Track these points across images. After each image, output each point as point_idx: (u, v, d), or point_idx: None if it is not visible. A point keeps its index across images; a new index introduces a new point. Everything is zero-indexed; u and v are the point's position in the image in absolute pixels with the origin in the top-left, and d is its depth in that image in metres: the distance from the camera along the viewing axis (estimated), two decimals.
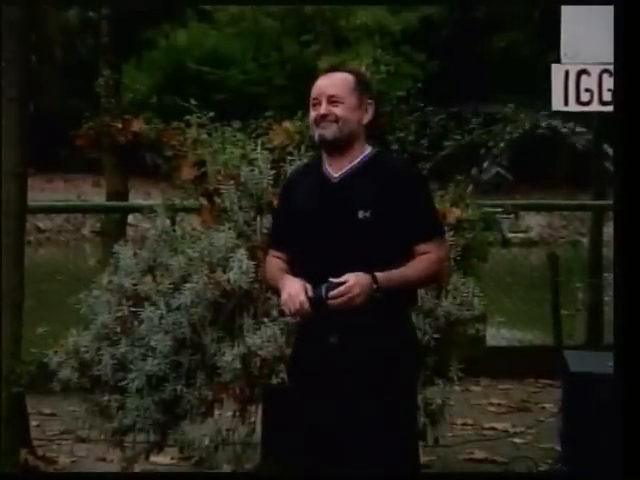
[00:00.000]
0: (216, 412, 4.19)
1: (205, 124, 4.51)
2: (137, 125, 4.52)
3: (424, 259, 3.08)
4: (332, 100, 3.12)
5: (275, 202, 4.23)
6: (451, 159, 5.28)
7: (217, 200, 4.34)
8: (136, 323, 4.10)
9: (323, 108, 3.12)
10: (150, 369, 4.04)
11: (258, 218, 4.22)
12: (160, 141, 4.54)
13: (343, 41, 20.74)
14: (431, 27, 21.41)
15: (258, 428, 4.26)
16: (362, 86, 3.18)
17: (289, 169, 4.26)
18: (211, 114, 4.53)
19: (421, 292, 4.01)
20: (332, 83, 3.14)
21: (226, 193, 4.26)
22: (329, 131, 3.11)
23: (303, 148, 4.32)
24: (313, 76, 3.25)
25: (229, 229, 4.15)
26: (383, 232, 3.04)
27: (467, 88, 16.65)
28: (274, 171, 4.26)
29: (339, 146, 3.12)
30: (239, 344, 4.00)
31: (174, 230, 4.32)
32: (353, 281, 2.95)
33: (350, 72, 3.21)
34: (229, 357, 3.97)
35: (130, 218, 8.28)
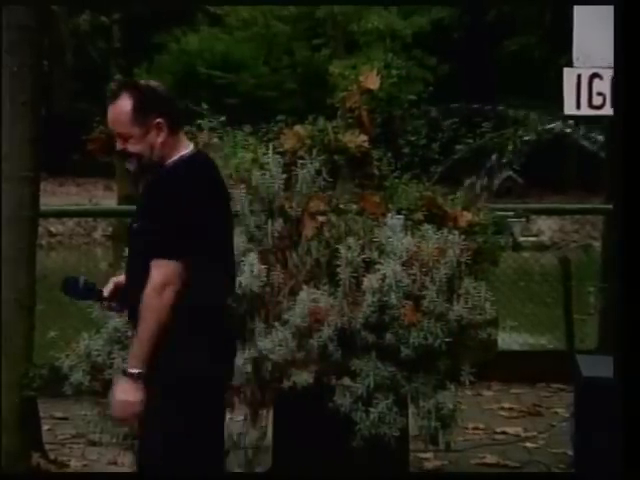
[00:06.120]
0: (228, 416, 4.19)
1: (216, 128, 4.51)
2: None
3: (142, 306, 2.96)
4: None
5: (287, 206, 4.24)
6: (462, 163, 5.28)
7: None
8: None
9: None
10: None
11: (269, 222, 4.22)
12: None
13: (354, 45, 20.76)
14: (442, 31, 21.39)
15: (269, 432, 4.26)
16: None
17: (300, 173, 4.26)
18: (222, 118, 4.53)
19: (432, 296, 4.01)
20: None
21: (237, 197, 4.26)
22: (131, 166, 3.12)
23: (314, 152, 4.32)
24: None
25: (240, 233, 4.15)
26: (141, 245, 3.05)
27: (478, 92, 16.61)
28: (285, 175, 4.26)
29: None
30: (250, 348, 3.99)
31: None
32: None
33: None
34: (240, 361, 3.96)
35: None
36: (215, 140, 4.50)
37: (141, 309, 2.95)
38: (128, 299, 3.10)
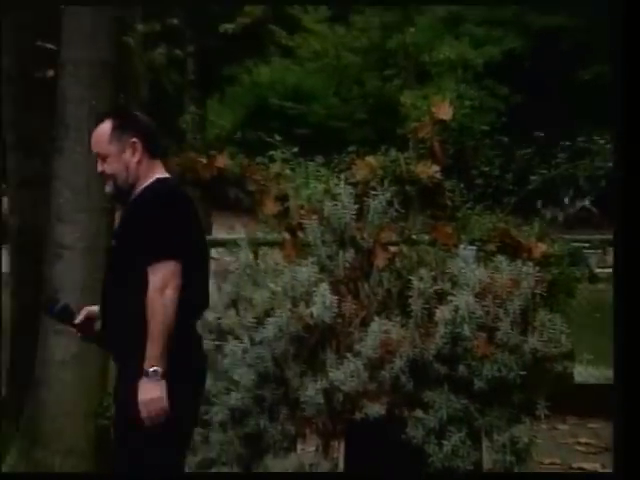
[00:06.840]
0: (299, 447, 4.18)
1: (289, 159, 4.54)
2: (222, 161, 4.57)
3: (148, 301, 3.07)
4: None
5: (358, 236, 4.24)
6: (536, 193, 5.21)
7: (300, 234, 4.36)
8: (219, 357, 4.12)
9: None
10: (233, 403, 4.05)
11: (341, 252, 4.22)
12: (244, 176, 4.58)
13: (425, 75, 20.73)
14: (514, 60, 21.26)
15: (341, 463, 4.23)
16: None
17: (372, 203, 4.26)
18: (295, 149, 4.56)
19: (506, 328, 3.96)
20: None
21: (309, 227, 4.27)
22: (108, 187, 3.28)
23: (386, 183, 4.31)
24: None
25: (312, 263, 4.15)
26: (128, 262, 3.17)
27: (552, 121, 16.45)
28: (357, 205, 4.27)
29: None
30: (322, 379, 3.99)
31: (257, 264, 4.34)
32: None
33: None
34: (312, 391, 3.96)
35: (212, 252, 8.34)
36: (287, 171, 4.53)
37: (148, 313, 3.05)
38: (107, 325, 3.20)
